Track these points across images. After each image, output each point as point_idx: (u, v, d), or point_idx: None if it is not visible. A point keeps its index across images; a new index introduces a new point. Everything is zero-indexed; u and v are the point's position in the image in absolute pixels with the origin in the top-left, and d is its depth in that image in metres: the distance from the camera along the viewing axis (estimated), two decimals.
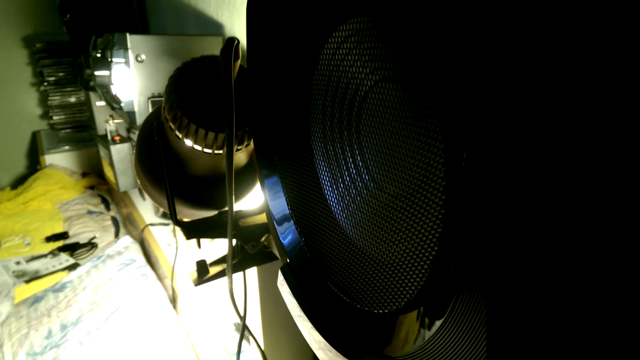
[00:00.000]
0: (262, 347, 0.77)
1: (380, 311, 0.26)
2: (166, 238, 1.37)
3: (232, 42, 0.37)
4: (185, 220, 0.52)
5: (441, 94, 0.19)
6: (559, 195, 0.15)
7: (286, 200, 0.36)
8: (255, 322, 0.77)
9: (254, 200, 0.55)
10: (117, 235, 1.67)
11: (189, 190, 0.49)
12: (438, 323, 0.21)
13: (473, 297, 0.19)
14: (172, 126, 0.40)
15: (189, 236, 0.50)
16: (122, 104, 0.92)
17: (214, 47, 0.96)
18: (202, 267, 0.55)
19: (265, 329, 0.76)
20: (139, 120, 0.92)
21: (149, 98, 0.93)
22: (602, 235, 0.14)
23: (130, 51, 0.88)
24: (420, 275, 0.22)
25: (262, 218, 0.53)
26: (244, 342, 0.79)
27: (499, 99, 0.16)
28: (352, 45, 0.25)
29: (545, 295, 0.16)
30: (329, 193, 0.32)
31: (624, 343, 0.15)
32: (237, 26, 0.97)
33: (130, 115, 0.94)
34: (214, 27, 1.07)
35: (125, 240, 1.49)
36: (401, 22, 0.21)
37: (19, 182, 2.24)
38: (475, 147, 0.17)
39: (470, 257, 0.19)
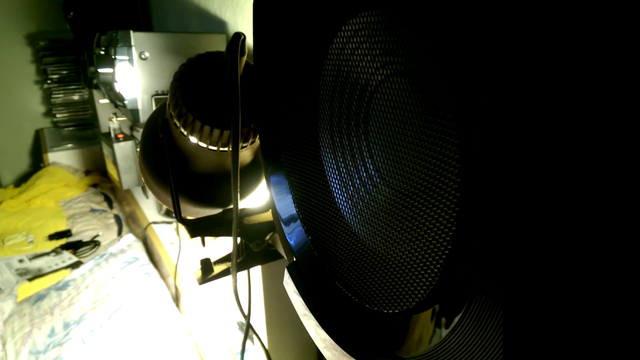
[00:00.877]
0: (266, 347, 0.77)
1: (390, 311, 0.25)
2: (169, 236, 1.37)
3: (238, 37, 0.36)
4: (190, 218, 0.51)
5: (456, 88, 0.18)
6: (580, 190, 0.14)
7: (292, 198, 0.36)
8: (259, 321, 0.77)
9: (258, 198, 0.54)
10: (120, 233, 1.67)
11: (194, 188, 0.49)
12: (451, 324, 0.20)
13: (488, 297, 0.18)
14: (177, 123, 0.40)
15: (193, 234, 0.49)
16: (125, 102, 0.91)
17: (217, 45, 0.96)
18: (206, 266, 0.54)
19: (269, 328, 0.76)
20: (143, 117, 0.92)
21: (152, 96, 0.93)
22: (627, 232, 0.14)
23: (133, 49, 0.87)
24: (433, 275, 0.21)
25: (267, 216, 0.52)
26: (248, 341, 0.79)
27: (517, 93, 0.15)
28: (362, 39, 0.24)
29: (563, 295, 0.15)
30: (336, 191, 0.31)
31: None
32: (240, 23, 0.96)
33: (133, 113, 0.94)
34: (217, 25, 1.07)
35: (128, 238, 1.49)
36: (413, 15, 0.20)
37: (22, 180, 2.24)
38: (492, 143, 0.17)
39: (485, 257, 0.18)
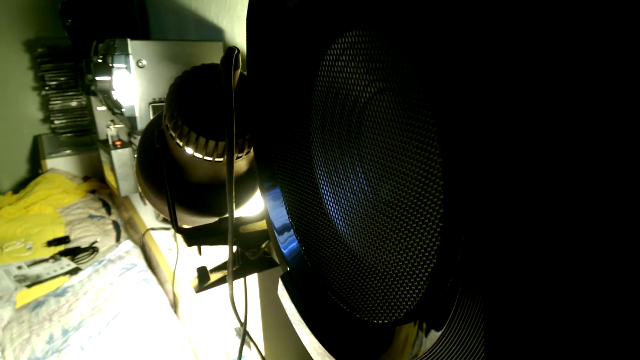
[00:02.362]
0: (263, 353, 0.77)
1: (380, 321, 0.26)
2: (167, 242, 1.38)
3: (232, 52, 0.37)
4: (186, 227, 0.52)
5: (439, 107, 0.19)
6: (558, 210, 0.15)
7: (286, 208, 0.37)
8: (256, 328, 0.77)
9: (254, 207, 0.55)
10: (118, 239, 1.67)
11: (190, 198, 0.49)
12: (436, 335, 0.21)
13: (471, 309, 0.19)
14: (173, 134, 0.41)
15: (189, 243, 0.50)
16: (123, 109, 0.92)
17: (214, 52, 0.97)
18: (202, 274, 0.55)
19: (265, 334, 0.76)
20: (140, 125, 0.93)
21: (150, 103, 0.93)
22: (601, 260, 0.14)
23: (131, 57, 0.88)
24: (419, 287, 0.22)
25: (263, 225, 0.53)
26: (245, 347, 0.79)
27: (498, 112, 0.16)
28: (349, 57, 0.25)
29: (543, 309, 0.16)
30: (328, 202, 0.32)
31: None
32: (237, 31, 0.97)
33: (131, 121, 0.94)
34: (215, 32, 1.07)
35: (127, 244, 1.49)
36: (396, 35, 0.21)
37: (20, 186, 2.24)
38: (474, 160, 0.17)
39: (468, 271, 0.19)
